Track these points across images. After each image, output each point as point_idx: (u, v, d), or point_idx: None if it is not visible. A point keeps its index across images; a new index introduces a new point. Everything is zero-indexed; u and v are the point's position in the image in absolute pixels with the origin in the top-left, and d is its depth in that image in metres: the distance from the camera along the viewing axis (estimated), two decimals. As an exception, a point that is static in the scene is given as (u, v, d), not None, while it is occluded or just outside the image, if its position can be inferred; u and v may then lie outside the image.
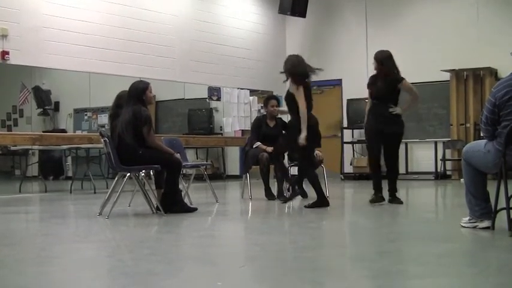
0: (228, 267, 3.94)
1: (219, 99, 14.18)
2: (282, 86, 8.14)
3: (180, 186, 7.03)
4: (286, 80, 7.25)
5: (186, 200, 7.20)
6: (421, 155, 13.67)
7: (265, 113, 8.78)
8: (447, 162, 13.15)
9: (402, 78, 7.43)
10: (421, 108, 13.47)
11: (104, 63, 11.34)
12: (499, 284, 3.32)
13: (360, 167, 13.39)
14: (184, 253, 4.55)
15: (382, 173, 7.57)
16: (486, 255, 4.23)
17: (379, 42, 12.91)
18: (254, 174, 8.81)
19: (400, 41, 13.46)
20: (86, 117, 17.20)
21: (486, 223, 4.97)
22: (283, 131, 8.44)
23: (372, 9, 14.24)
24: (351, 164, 13.87)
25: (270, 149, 8.23)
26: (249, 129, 10.80)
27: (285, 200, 7.78)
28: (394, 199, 7.45)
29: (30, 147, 11.10)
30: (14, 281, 3.53)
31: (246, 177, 8.67)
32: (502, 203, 4.77)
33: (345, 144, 13.98)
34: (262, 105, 9.86)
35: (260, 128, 8.54)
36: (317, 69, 7.28)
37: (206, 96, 14.14)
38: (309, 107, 7.17)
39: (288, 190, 8.28)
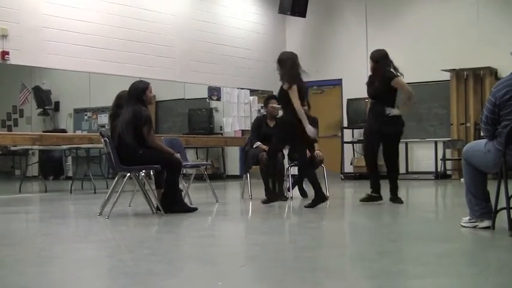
0: (228, 267, 3.94)
1: (219, 99, 14.18)
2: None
3: (180, 186, 7.04)
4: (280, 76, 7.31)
5: (186, 200, 7.20)
6: (421, 154, 13.67)
7: (265, 113, 8.78)
8: (447, 162, 13.15)
9: (395, 76, 7.39)
10: (421, 108, 13.49)
11: (104, 63, 11.35)
12: (499, 284, 3.32)
13: (360, 166, 13.36)
14: (184, 253, 4.55)
15: (383, 173, 7.58)
16: (486, 255, 4.23)
17: (379, 42, 12.88)
18: (254, 174, 8.81)
19: (400, 41, 13.46)
20: (86, 117, 17.19)
21: (486, 223, 4.97)
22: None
23: (372, 9, 14.24)
24: (351, 164, 13.87)
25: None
26: (249, 129, 10.80)
27: (265, 201, 7.69)
28: (395, 199, 7.45)
29: (30, 147, 11.10)
30: (14, 281, 3.53)
31: (246, 177, 8.67)
32: (502, 202, 4.76)
33: (345, 144, 13.99)
34: (262, 105, 9.86)
35: (260, 128, 8.53)
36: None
37: (206, 96, 14.14)
38: (302, 104, 7.24)
39: (288, 190, 8.29)
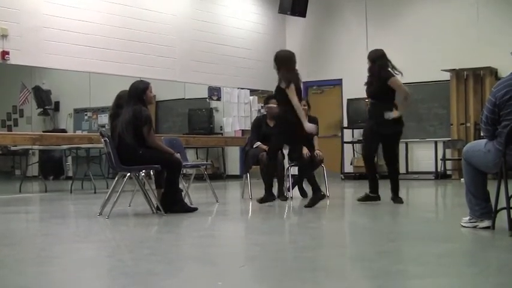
0: (228, 267, 3.94)
1: (219, 99, 14.18)
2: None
3: (180, 186, 7.04)
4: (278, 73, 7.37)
5: (186, 200, 7.20)
6: (421, 154, 13.67)
7: (265, 113, 8.78)
8: (447, 161, 13.15)
9: (391, 76, 7.41)
10: (421, 108, 13.51)
11: (105, 63, 11.35)
12: (499, 284, 3.32)
13: (360, 166, 13.29)
14: (184, 253, 4.55)
15: (384, 173, 7.60)
16: (486, 255, 4.23)
17: (379, 42, 12.88)
18: (254, 174, 8.81)
19: (400, 41, 13.48)
20: (86, 117, 17.20)
21: (486, 223, 4.97)
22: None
23: (372, 9, 14.24)
24: (351, 164, 13.87)
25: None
26: (249, 129, 10.80)
27: (260, 201, 7.66)
28: (395, 198, 7.47)
29: (30, 147, 11.10)
30: (14, 281, 3.53)
31: (246, 177, 8.67)
32: (502, 202, 4.76)
33: (345, 144, 13.99)
34: (263, 105, 9.85)
35: (260, 128, 8.54)
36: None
37: (206, 96, 14.14)
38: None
39: (288, 190, 8.29)
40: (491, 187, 4.99)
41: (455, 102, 12.94)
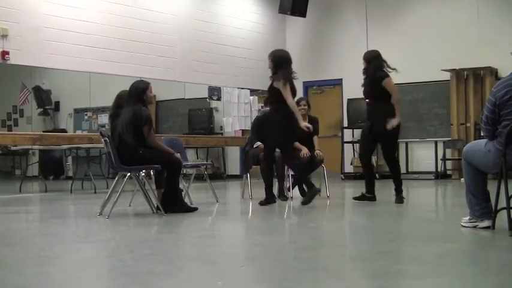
0: (228, 267, 3.94)
1: (219, 99, 14.18)
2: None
3: (181, 186, 7.04)
4: (273, 74, 7.41)
5: (186, 200, 7.20)
6: (421, 154, 13.67)
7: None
8: (447, 161, 13.15)
9: (386, 76, 7.43)
10: (421, 108, 13.52)
11: (105, 63, 11.35)
12: (499, 284, 3.32)
13: (361, 166, 13.36)
14: (184, 253, 4.55)
15: (384, 173, 7.62)
16: (486, 255, 4.23)
17: (379, 42, 12.92)
18: (254, 174, 8.81)
19: (400, 41, 13.48)
20: (86, 117, 17.21)
21: (486, 223, 4.97)
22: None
23: (372, 9, 14.24)
24: (351, 164, 13.86)
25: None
26: (249, 129, 10.80)
27: (262, 203, 7.63)
28: (396, 198, 7.48)
29: (30, 147, 11.10)
30: (14, 281, 3.53)
31: (247, 177, 8.67)
32: (503, 202, 4.76)
33: (345, 144, 13.98)
34: (263, 104, 9.85)
35: (260, 128, 8.53)
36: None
37: (206, 96, 14.14)
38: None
39: (288, 190, 8.28)
40: (491, 187, 4.99)
41: (456, 102, 12.94)
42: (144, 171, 6.76)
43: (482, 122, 4.96)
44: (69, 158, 15.10)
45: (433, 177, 13.01)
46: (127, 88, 6.75)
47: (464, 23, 13.04)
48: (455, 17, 13.21)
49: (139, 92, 6.62)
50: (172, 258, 4.24)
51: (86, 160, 11.26)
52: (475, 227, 5.04)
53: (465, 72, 12.86)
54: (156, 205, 6.64)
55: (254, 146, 8.40)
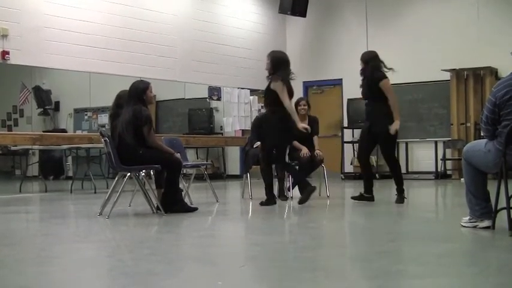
0: (228, 267, 3.94)
1: (219, 99, 14.18)
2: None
3: (181, 186, 7.04)
4: (270, 75, 7.39)
5: (186, 200, 7.20)
6: (421, 154, 13.68)
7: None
8: (447, 161, 13.15)
9: (383, 77, 7.43)
10: (421, 108, 13.53)
11: (105, 63, 11.35)
12: (499, 284, 3.32)
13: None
14: (184, 253, 4.55)
15: (385, 173, 7.62)
16: (486, 255, 4.23)
17: (379, 42, 12.93)
18: (254, 174, 8.81)
19: (400, 41, 13.49)
20: (86, 117, 17.21)
21: (486, 223, 4.97)
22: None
23: (372, 9, 14.24)
24: (351, 164, 13.86)
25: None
26: (249, 129, 10.80)
27: (262, 203, 7.65)
28: (397, 198, 7.48)
29: (30, 147, 11.10)
30: (14, 281, 3.53)
31: (247, 177, 8.67)
32: (503, 202, 4.76)
33: (345, 144, 13.98)
34: (263, 105, 9.85)
35: (260, 128, 8.52)
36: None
37: (206, 96, 14.14)
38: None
39: (289, 190, 8.28)
40: (491, 187, 4.99)
41: (456, 102, 12.94)
42: (144, 171, 6.76)
43: (482, 122, 4.96)
44: (69, 158, 15.10)
45: (433, 177, 13.01)
46: (127, 88, 6.75)
47: (464, 23, 13.04)
48: (455, 17, 13.21)
49: (139, 92, 6.62)
50: (172, 258, 4.24)
51: (86, 160, 11.26)
52: (475, 227, 5.04)
53: (465, 72, 12.86)
54: (156, 205, 6.65)
55: (254, 146, 8.40)
